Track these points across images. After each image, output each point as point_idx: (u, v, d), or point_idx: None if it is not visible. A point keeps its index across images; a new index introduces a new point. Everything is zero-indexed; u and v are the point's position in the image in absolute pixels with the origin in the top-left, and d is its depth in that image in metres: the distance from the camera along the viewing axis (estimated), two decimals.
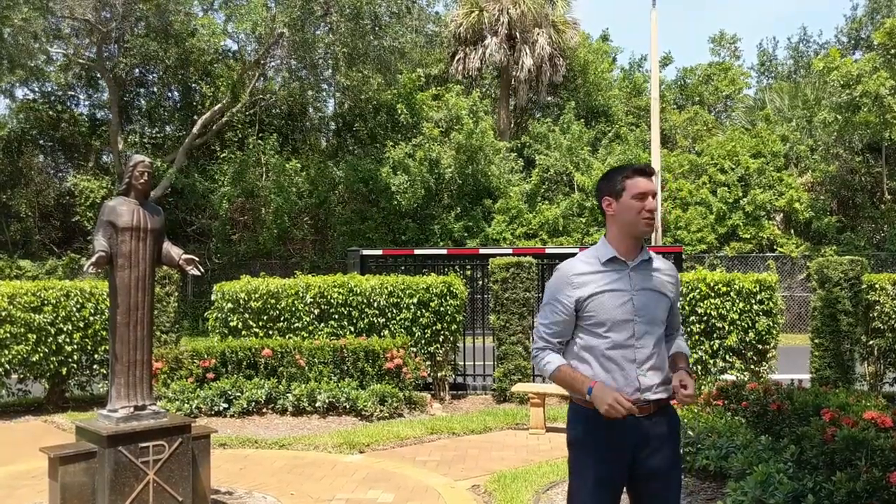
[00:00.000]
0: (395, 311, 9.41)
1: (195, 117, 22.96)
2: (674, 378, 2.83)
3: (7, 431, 8.05)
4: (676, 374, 2.86)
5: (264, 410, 8.47)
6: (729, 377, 8.70)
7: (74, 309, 9.05)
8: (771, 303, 8.92)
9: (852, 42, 27.53)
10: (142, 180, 4.73)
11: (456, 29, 23.77)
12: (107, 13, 20.18)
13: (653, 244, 17.54)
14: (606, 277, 2.82)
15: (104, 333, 9.12)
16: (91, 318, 9.17)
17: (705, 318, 8.88)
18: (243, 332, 9.48)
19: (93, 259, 4.49)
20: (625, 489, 2.90)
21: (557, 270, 2.91)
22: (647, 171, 2.88)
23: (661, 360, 2.87)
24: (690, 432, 5.88)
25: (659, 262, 2.96)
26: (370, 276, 9.78)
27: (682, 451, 5.70)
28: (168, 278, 9.92)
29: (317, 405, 8.31)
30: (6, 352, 8.60)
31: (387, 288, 9.43)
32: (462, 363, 10.37)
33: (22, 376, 9.05)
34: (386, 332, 9.36)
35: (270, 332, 9.46)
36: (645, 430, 2.78)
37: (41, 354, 8.79)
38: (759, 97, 28.46)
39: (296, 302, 9.46)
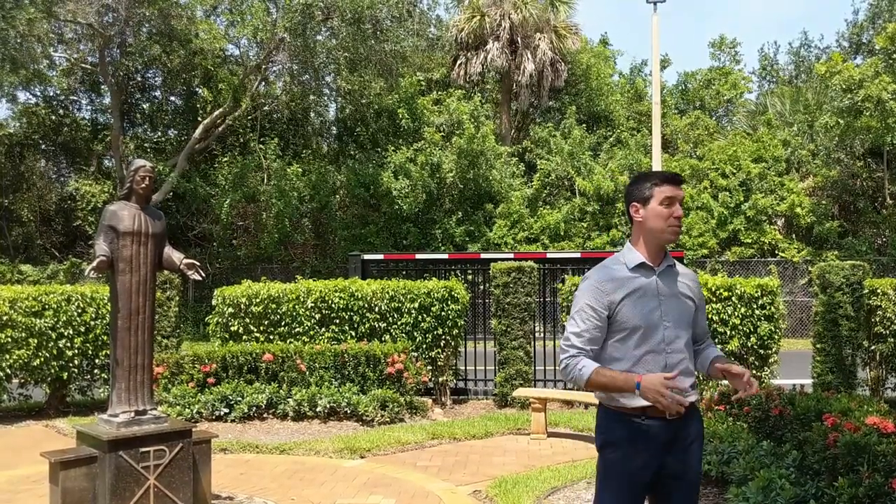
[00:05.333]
0: (396, 315, 9.40)
1: (197, 121, 23.00)
2: (736, 383, 2.83)
3: (8, 436, 8.05)
4: (735, 374, 2.83)
5: (265, 415, 8.46)
6: None
7: (75, 313, 9.05)
8: (772, 308, 8.90)
9: (853, 46, 27.54)
10: (143, 184, 4.73)
11: (457, 33, 23.79)
12: (109, 17, 20.22)
13: None
14: (635, 283, 2.83)
15: (105, 338, 9.12)
16: (92, 323, 9.18)
17: (706, 322, 8.85)
18: (244, 337, 9.47)
19: (94, 263, 4.49)
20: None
21: (586, 279, 2.90)
22: (675, 179, 2.89)
23: (691, 363, 2.90)
24: None
25: (680, 267, 3.00)
26: (371, 281, 9.77)
27: None
28: (169, 283, 9.92)
29: (318, 410, 8.31)
30: (7, 356, 8.60)
31: (388, 293, 9.42)
32: (463, 368, 10.36)
33: (23, 381, 9.05)
34: (387, 336, 9.36)
35: (271, 337, 9.45)
36: (674, 432, 2.80)
37: (42, 359, 8.79)
38: (760, 101, 28.46)
39: (297, 306, 9.46)
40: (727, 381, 2.88)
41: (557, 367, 2.93)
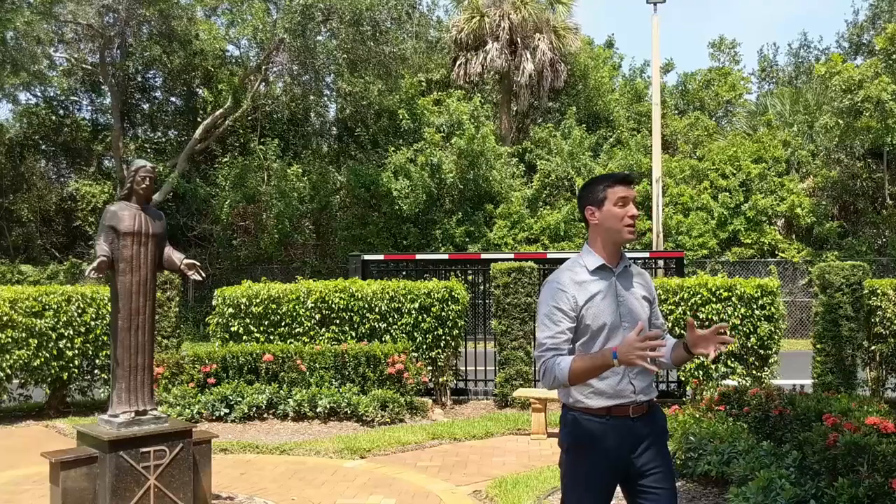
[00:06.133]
0: (396, 316, 9.40)
1: (197, 121, 23.01)
2: (700, 341, 2.76)
3: (8, 436, 8.05)
4: (699, 338, 2.77)
5: (265, 416, 8.46)
6: (731, 382, 8.68)
7: (76, 314, 9.05)
8: (772, 308, 8.90)
9: (853, 47, 27.53)
10: (144, 185, 4.74)
11: (457, 34, 23.79)
12: (109, 18, 20.24)
13: (654, 249, 17.54)
14: (597, 285, 2.87)
15: (105, 338, 9.13)
16: (92, 323, 9.18)
17: (707, 323, 8.86)
18: (244, 338, 9.47)
19: (94, 264, 4.49)
20: (619, 490, 2.93)
21: (547, 283, 2.91)
22: (627, 180, 2.93)
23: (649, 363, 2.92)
24: (692, 437, 5.87)
25: (634, 267, 3.04)
26: (372, 281, 9.78)
27: (684, 456, 5.72)
28: (169, 283, 9.93)
29: (318, 410, 8.31)
30: (7, 356, 8.60)
31: (388, 293, 9.43)
32: (463, 368, 10.36)
33: (23, 381, 9.05)
34: (387, 337, 9.36)
35: (272, 338, 9.45)
36: (638, 430, 2.84)
37: (42, 359, 8.79)
38: (760, 102, 28.45)
39: (297, 307, 9.46)
40: (699, 349, 2.77)
41: (539, 377, 2.91)
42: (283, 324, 9.48)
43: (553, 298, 2.83)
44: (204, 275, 4.95)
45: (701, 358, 2.82)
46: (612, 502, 2.89)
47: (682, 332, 8.90)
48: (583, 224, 20.52)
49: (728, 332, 2.84)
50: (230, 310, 9.56)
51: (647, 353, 2.52)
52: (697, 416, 6.60)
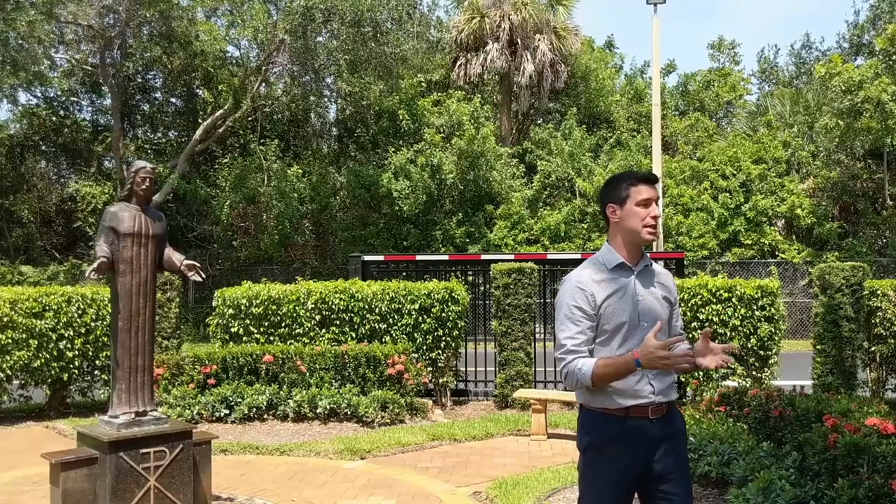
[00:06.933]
0: (396, 316, 9.40)
1: (198, 122, 23.02)
2: (707, 352, 2.72)
3: (8, 437, 8.05)
4: (707, 350, 2.74)
5: (265, 416, 8.46)
6: (731, 383, 8.68)
7: (76, 315, 9.06)
8: (773, 309, 8.90)
9: (854, 48, 27.52)
10: (144, 186, 4.74)
11: (457, 35, 23.79)
12: (110, 19, 20.25)
13: (654, 250, 17.53)
14: (615, 283, 2.84)
15: (105, 339, 9.13)
16: (92, 324, 9.18)
17: (707, 324, 8.87)
18: (244, 338, 9.47)
19: (94, 265, 4.49)
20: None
21: (566, 282, 2.89)
22: (651, 179, 2.90)
23: None
24: (692, 438, 5.87)
25: (656, 266, 3.01)
26: (372, 282, 9.77)
27: None
28: (169, 284, 9.93)
29: (318, 411, 8.31)
30: (8, 357, 8.60)
31: (388, 294, 9.43)
32: (464, 369, 10.36)
33: (23, 382, 9.05)
34: (387, 338, 9.36)
35: (272, 338, 9.45)
36: (656, 432, 2.80)
37: (42, 360, 8.79)
38: (760, 103, 28.45)
39: (297, 308, 9.46)
40: (703, 359, 2.72)
41: (560, 378, 2.90)
42: (283, 325, 9.48)
43: (572, 297, 2.81)
44: (204, 276, 4.95)
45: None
46: None
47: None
48: (583, 225, 20.74)
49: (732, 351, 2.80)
50: (230, 311, 9.56)
51: (671, 363, 2.54)
52: (697, 416, 6.61)
